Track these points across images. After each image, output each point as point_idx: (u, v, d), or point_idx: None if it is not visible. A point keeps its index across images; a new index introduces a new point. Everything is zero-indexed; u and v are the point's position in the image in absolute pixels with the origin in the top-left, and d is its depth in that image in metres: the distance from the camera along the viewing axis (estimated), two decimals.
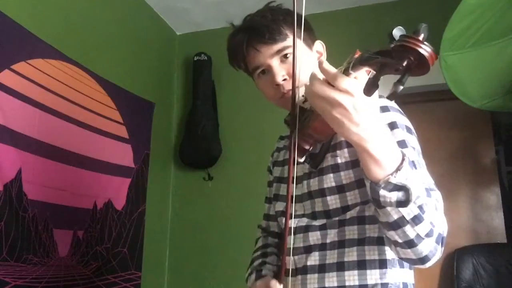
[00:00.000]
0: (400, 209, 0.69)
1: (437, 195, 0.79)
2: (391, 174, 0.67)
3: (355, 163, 0.90)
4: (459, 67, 1.86)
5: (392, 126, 0.87)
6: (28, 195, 1.64)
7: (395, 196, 0.68)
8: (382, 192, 0.68)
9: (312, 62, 0.99)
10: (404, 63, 0.51)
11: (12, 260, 1.55)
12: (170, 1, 2.60)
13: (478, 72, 1.93)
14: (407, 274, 0.91)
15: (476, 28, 1.75)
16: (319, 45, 1.05)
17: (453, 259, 2.34)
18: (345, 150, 0.91)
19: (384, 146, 0.67)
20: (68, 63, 1.91)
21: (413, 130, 0.91)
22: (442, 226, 0.75)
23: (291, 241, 0.95)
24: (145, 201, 2.42)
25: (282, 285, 0.91)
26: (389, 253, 0.88)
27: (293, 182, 0.87)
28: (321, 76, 0.66)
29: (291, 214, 1.00)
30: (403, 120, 0.90)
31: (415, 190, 0.68)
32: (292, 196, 1.01)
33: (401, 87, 0.51)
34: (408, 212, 0.69)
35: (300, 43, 0.98)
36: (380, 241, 0.89)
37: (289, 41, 0.95)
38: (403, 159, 0.68)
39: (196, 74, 2.74)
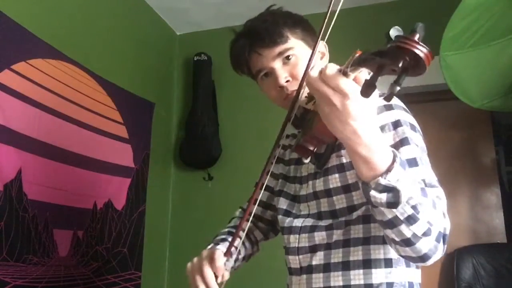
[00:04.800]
0: (393, 209, 0.69)
1: (438, 192, 0.79)
2: (381, 175, 0.66)
3: None
4: (459, 67, 1.86)
5: (396, 124, 0.87)
6: (28, 195, 1.64)
7: (384, 197, 0.67)
8: (372, 192, 0.68)
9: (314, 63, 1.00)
10: (400, 64, 0.50)
11: (12, 260, 1.54)
12: (170, 1, 2.60)
13: (478, 72, 1.93)
14: (413, 274, 0.91)
15: (476, 28, 1.75)
16: (321, 46, 1.05)
17: (453, 259, 2.34)
18: None
19: (374, 147, 0.66)
20: (68, 63, 1.91)
21: (418, 128, 0.91)
22: (442, 224, 0.74)
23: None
24: (145, 201, 2.41)
25: (226, 260, 0.94)
26: (395, 252, 0.88)
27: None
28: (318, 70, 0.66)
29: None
30: (407, 118, 0.90)
31: (405, 192, 0.67)
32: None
33: (398, 88, 0.51)
34: (401, 212, 0.68)
35: (301, 44, 1.00)
36: (385, 240, 0.88)
37: (290, 43, 0.97)
38: (394, 160, 0.67)
39: (196, 74, 2.74)
